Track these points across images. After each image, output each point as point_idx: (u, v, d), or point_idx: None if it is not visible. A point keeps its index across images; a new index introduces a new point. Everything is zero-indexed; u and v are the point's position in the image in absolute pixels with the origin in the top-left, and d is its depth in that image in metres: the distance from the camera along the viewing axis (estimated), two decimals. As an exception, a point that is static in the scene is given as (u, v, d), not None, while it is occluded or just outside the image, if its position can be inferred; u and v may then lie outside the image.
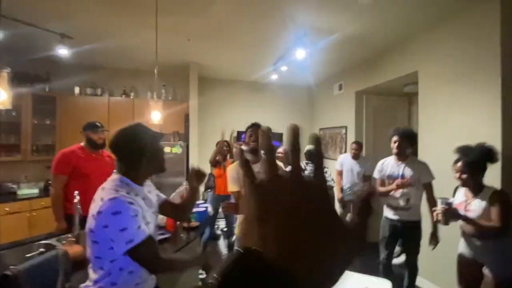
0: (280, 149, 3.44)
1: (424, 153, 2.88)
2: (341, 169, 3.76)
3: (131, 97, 4.48)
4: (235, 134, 4.06)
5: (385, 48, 3.46)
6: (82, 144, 2.46)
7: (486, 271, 1.77)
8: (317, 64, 4.20)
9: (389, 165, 2.42)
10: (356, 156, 3.64)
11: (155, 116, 2.37)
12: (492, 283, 1.70)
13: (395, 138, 2.33)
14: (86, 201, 2.37)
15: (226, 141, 3.50)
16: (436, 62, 2.82)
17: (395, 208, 2.36)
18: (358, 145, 3.65)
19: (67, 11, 2.68)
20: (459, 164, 1.81)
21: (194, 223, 2.37)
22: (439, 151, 2.67)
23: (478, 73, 2.37)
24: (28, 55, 3.58)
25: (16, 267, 1.14)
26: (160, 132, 1.32)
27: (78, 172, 2.34)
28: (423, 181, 2.26)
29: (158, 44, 2.60)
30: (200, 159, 4.19)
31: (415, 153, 2.78)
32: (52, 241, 1.91)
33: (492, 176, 2.18)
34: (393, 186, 2.28)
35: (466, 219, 1.74)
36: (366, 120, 4.19)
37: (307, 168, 3.26)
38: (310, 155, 3.12)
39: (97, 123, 2.48)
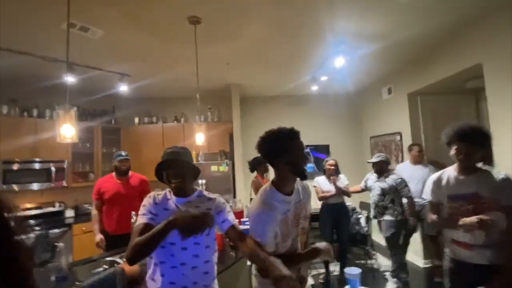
0: (331, 161, 3.27)
1: (501, 160, 2.41)
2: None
3: (181, 122, 4.86)
4: None
5: (437, 43, 3.11)
6: (113, 173, 2.82)
7: None
8: (361, 70, 3.98)
9: (450, 180, 1.61)
10: (417, 161, 3.33)
11: (199, 138, 2.50)
12: None
13: (455, 145, 1.56)
14: (109, 221, 2.73)
15: None
16: (502, 51, 2.41)
17: (469, 246, 1.51)
18: (419, 147, 3.35)
19: (125, 54, 3.09)
20: None
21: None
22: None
23: None
24: (95, 93, 4.18)
25: (81, 284, 1.26)
26: None
27: (103, 196, 2.72)
28: (507, 203, 1.43)
29: (200, 70, 2.80)
30: (246, 176, 4.24)
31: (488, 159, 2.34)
32: (116, 257, 2.11)
33: None
34: (473, 219, 1.41)
35: None
36: (423, 124, 3.76)
37: (370, 178, 3.15)
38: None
39: (122, 153, 2.78)
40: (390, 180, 2.92)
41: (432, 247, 3.37)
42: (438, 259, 3.29)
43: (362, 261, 3.74)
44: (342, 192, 3.13)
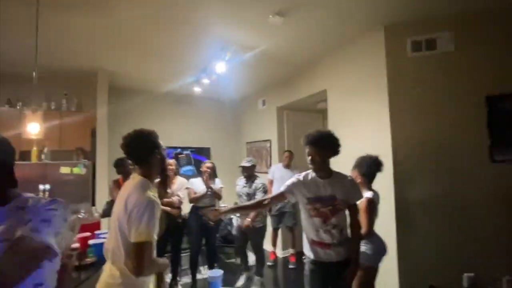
0: (208, 164, 3.24)
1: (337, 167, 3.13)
2: (272, 178, 3.86)
3: (18, 107, 3.64)
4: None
5: (300, 67, 3.73)
6: None
7: None
8: (242, 79, 4.26)
9: (310, 183, 1.73)
10: (288, 165, 3.82)
11: (32, 129, 1.90)
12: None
13: (307, 148, 1.73)
14: None
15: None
16: (339, 81, 3.17)
17: (327, 246, 1.66)
18: (289, 153, 3.85)
19: None
20: (354, 172, 2.04)
21: (90, 259, 1.95)
22: (348, 162, 2.92)
23: (372, 91, 2.74)
24: None
25: None
26: None
27: None
28: (351, 202, 1.71)
29: (54, 44, 2.16)
30: (108, 180, 3.63)
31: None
32: None
33: (388, 176, 2.49)
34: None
35: None
36: (287, 135, 4.41)
37: (239, 184, 3.19)
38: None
39: None
40: (255, 185, 3.06)
41: (291, 236, 3.96)
42: (293, 247, 3.93)
43: (233, 260, 3.93)
44: (214, 194, 3.14)
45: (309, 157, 1.71)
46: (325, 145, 1.69)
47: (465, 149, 2.37)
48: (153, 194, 1.29)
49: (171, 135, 4.75)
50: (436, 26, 2.48)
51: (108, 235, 1.37)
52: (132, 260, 1.17)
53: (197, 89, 4.19)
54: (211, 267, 3.21)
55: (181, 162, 4.83)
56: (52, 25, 2.47)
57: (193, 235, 3.17)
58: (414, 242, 2.44)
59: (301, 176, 1.79)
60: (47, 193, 3.17)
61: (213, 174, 3.24)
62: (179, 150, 4.87)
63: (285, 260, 4.05)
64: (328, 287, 1.67)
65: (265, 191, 3.08)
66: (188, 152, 4.99)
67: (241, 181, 3.18)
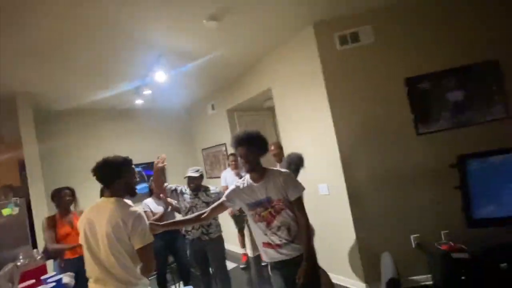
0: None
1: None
2: (227, 185, 3.80)
3: None
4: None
5: (243, 68, 3.78)
6: None
7: None
8: (186, 86, 4.15)
9: (246, 189, 1.71)
10: (235, 167, 3.81)
11: None
12: None
13: (237, 150, 1.71)
14: None
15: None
16: (281, 79, 3.31)
17: (278, 246, 1.64)
18: (234, 156, 3.81)
19: None
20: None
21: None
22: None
23: (310, 85, 2.92)
24: None
25: None
26: None
27: None
28: (290, 199, 1.63)
29: None
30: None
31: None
32: None
33: (336, 160, 2.70)
34: None
35: None
36: (241, 135, 4.44)
37: (186, 193, 2.62)
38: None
39: None
40: (213, 195, 2.61)
41: (240, 237, 4.09)
42: (242, 247, 4.07)
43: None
44: (174, 209, 2.99)
45: (241, 159, 1.68)
46: (254, 143, 1.65)
47: (394, 125, 2.68)
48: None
49: (118, 152, 4.40)
50: (359, 21, 2.75)
51: (88, 262, 1.49)
52: (145, 261, 1.48)
53: (138, 102, 3.96)
54: (185, 284, 3.07)
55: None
56: None
57: (156, 255, 2.98)
58: (366, 213, 2.69)
59: (239, 182, 1.76)
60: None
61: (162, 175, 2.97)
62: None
63: (257, 259, 4.09)
64: (291, 283, 1.62)
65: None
66: (139, 169, 4.68)
67: (186, 193, 2.64)
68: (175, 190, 2.60)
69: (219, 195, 2.55)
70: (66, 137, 4.03)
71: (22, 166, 3.28)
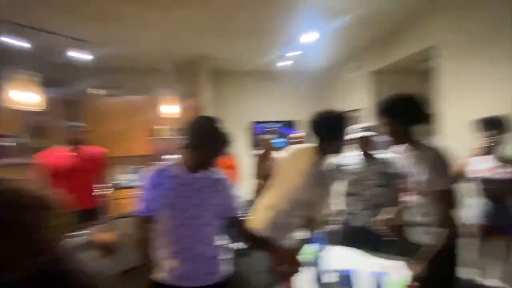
0: (295, 134, 3.43)
1: (448, 136, 2.76)
2: None
3: (146, 95, 4.63)
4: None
5: (398, 24, 3.32)
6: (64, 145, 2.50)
7: None
8: (329, 47, 4.12)
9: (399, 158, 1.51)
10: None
11: (168, 110, 2.45)
12: None
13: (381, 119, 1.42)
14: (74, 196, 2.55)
15: None
16: (453, 34, 2.69)
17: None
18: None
19: (82, 18, 2.82)
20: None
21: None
22: (463, 131, 2.51)
23: (497, 43, 2.25)
24: (52, 61, 3.79)
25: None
26: None
27: (54, 172, 2.36)
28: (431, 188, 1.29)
29: (165, 39, 2.67)
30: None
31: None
32: (85, 230, 2.10)
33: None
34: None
35: None
36: (382, 101, 4.08)
37: (349, 162, 2.00)
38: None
39: (77, 123, 2.56)
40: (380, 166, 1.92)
41: None
42: None
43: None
44: None
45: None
46: (400, 112, 1.35)
47: None
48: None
49: (262, 111, 5.16)
50: None
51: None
52: None
53: (285, 63, 4.31)
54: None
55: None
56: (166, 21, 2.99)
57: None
58: None
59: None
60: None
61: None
62: (269, 124, 5.24)
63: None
64: None
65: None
66: (278, 125, 5.30)
67: (354, 156, 1.99)
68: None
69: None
70: (225, 94, 5.06)
71: (201, 112, 4.44)
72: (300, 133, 3.46)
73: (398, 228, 1.58)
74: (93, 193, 2.51)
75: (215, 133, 1.22)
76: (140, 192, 1.24)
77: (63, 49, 3.47)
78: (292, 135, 3.43)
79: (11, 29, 2.37)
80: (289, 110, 5.37)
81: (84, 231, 2.01)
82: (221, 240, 1.33)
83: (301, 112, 5.37)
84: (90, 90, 4.40)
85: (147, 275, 1.24)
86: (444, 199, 1.26)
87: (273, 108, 5.32)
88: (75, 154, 2.47)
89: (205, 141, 1.20)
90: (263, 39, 3.70)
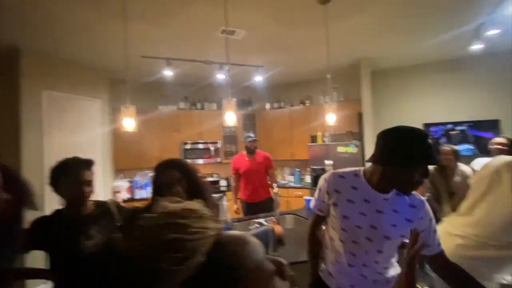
0: (501, 139, 2.57)
1: None
2: None
3: (307, 104, 5.02)
4: None
5: None
6: (244, 152, 3.42)
7: None
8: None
9: None
10: None
11: (330, 118, 2.55)
12: None
13: None
14: (244, 191, 3.35)
15: None
16: None
17: None
18: None
19: (262, 47, 3.50)
20: None
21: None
22: None
23: None
24: (237, 86, 4.92)
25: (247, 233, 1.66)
26: None
27: (239, 171, 3.34)
28: None
29: (329, 50, 2.78)
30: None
31: None
32: (261, 220, 2.57)
33: None
34: None
35: None
36: None
37: None
38: None
39: (250, 135, 3.37)
40: None
41: None
42: None
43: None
44: None
45: None
46: None
47: None
48: None
49: (433, 110, 4.22)
50: None
51: None
52: None
53: (476, 47, 3.30)
54: None
55: (454, 140, 4.10)
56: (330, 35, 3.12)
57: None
58: None
59: None
60: (331, 167, 4.14)
61: (509, 153, 2.43)
62: (449, 126, 4.17)
63: None
64: None
65: None
66: (463, 128, 4.11)
67: None
68: None
69: None
70: (387, 94, 4.54)
71: (359, 117, 4.26)
72: (503, 138, 2.55)
73: None
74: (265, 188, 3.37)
75: (415, 149, 0.95)
76: (316, 190, 1.24)
77: (245, 76, 4.46)
78: (495, 141, 2.59)
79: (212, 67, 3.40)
80: (484, 107, 4.02)
81: (260, 220, 2.51)
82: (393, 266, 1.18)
83: (506, 109, 3.88)
84: (261, 105, 5.37)
85: (311, 270, 1.30)
86: None
87: (457, 105, 4.17)
88: (250, 158, 3.37)
89: (401, 156, 0.96)
90: (440, 25, 3.02)
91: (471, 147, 3.98)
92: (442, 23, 3.00)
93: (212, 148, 4.90)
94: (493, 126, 3.92)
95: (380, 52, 3.81)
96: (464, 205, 1.37)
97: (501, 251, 1.17)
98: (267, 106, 5.34)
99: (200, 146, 4.88)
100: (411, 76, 4.47)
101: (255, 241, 0.52)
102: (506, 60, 3.86)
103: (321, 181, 1.19)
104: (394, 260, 1.16)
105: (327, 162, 4.32)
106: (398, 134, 0.99)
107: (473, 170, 2.59)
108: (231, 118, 1.96)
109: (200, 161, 4.85)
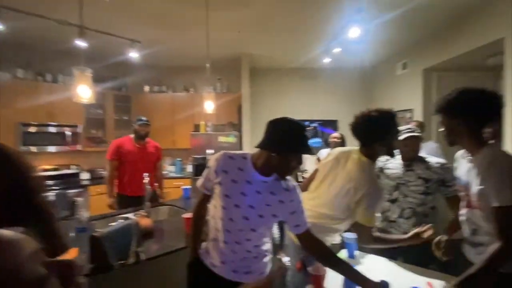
0: (336, 134, 3.32)
1: None
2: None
3: (191, 92, 4.86)
4: None
5: (459, 16, 2.94)
6: (131, 135, 2.87)
7: None
8: (377, 41, 3.84)
9: (462, 163, 1.30)
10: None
11: (208, 106, 2.54)
12: None
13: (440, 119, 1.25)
14: (122, 183, 2.81)
15: None
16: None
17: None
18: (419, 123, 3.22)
19: (137, 17, 3.05)
20: None
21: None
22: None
23: None
24: (106, 59, 4.18)
25: (101, 231, 1.40)
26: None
27: (122, 157, 2.79)
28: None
29: (210, 38, 2.75)
30: (252, 147, 4.32)
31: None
32: (129, 215, 2.28)
33: None
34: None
35: None
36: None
37: (390, 167, 1.80)
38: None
39: (142, 118, 2.83)
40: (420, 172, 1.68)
41: None
42: None
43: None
44: None
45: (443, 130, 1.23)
46: (469, 109, 1.14)
47: None
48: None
49: (299, 108, 5.03)
50: None
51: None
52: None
53: (326, 60, 4.14)
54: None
55: (309, 134, 5.05)
56: (211, 21, 3.10)
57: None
58: None
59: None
60: (210, 156, 4.21)
61: (342, 144, 3.22)
62: (306, 123, 5.08)
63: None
64: None
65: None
66: (315, 124, 5.12)
67: (395, 162, 1.78)
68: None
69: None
70: (265, 90, 5.04)
71: (239, 109, 4.51)
72: (338, 133, 3.32)
73: (448, 243, 1.40)
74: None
75: (297, 140, 1.07)
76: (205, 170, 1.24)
77: (117, 50, 3.82)
78: (333, 135, 3.31)
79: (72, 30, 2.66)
80: (330, 109, 5.15)
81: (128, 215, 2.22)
82: (268, 241, 1.29)
83: (343, 112, 5.12)
84: (138, 87, 4.77)
85: (191, 249, 1.32)
86: (506, 217, 1.04)
87: (313, 106, 5.15)
88: (140, 145, 2.85)
89: (287, 146, 1.06)
90: (305, 36, 3.59)
91: (320, 140, 5.01)
92: (307, 35, 3.57)
93: (69, 133, 3.94)
94: (333, 124, 5.09)
95: (259, 49, 4.13)
96: (312, 185, 1.66)
97: (334, 221, 1.49)
98: (146, 88, 4.80)
99: (52, 129, 3.83)
100: (283, 77, 5.13)
101: (9, 241, 0.39)
102: (346, 73, 5.10)
103: (212, 160, 1.22)
104: (266, 239, 1.28)
105: (208, 151, 4.35)
106: (283, 124, 1.11)
107: (319, 159, 3.28)
108: (84, 92, 1.58)
109: (52, 148, 3.84)
